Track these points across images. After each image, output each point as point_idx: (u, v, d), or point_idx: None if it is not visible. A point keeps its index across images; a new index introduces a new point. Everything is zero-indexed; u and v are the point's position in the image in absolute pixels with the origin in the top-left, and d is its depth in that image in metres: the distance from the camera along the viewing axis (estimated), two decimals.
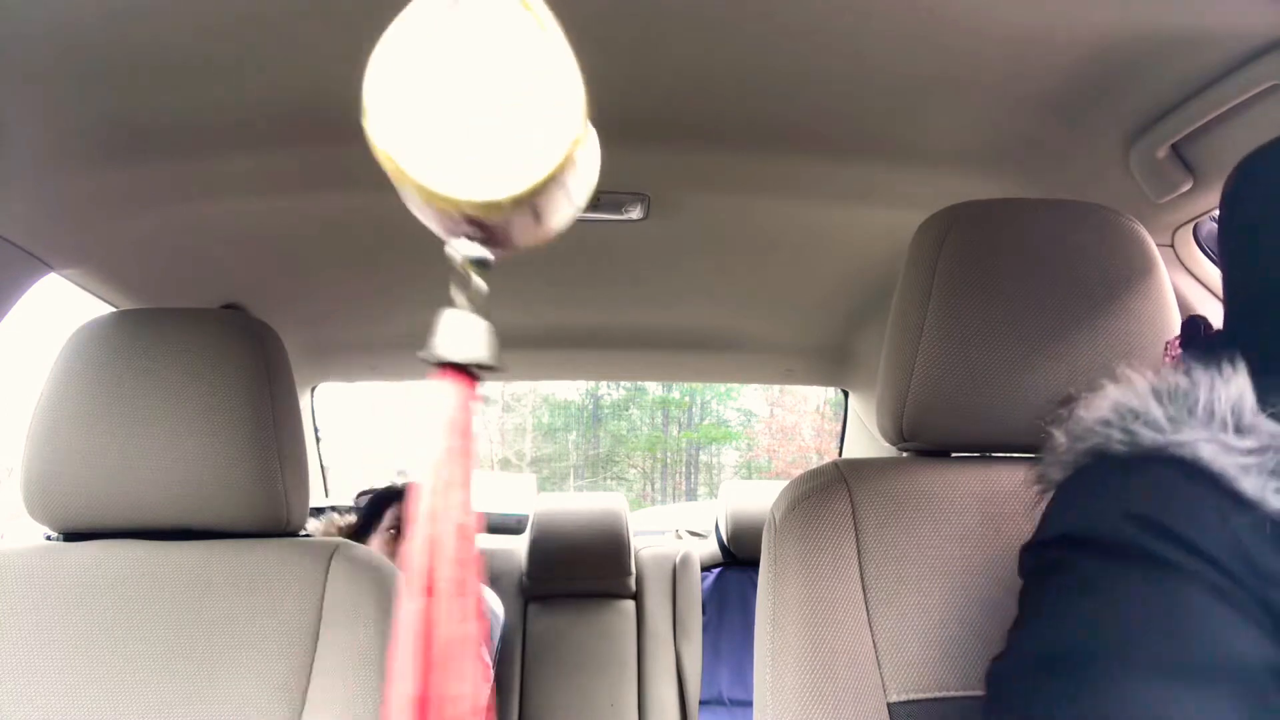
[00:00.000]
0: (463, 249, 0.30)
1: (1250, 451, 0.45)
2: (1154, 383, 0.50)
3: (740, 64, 0.84)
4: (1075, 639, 0.44)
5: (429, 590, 0.27)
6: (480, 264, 0.31)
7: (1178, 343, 0.58)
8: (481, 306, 0.31)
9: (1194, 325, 0.58)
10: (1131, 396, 0.50)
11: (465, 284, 0.31)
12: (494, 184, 0.28)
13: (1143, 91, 0.85)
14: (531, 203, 0.29)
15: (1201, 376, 0.48)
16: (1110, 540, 0.46)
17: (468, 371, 0.31)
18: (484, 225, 0.30)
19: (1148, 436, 0.48)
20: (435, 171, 0.29)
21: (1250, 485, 0.44)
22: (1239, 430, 0.46)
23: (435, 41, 0.29)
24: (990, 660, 0.51)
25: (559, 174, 0.29)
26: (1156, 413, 0.48)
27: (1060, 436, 0.54)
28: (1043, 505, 0.54)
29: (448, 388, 0.30)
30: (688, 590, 1.95)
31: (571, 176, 0.30)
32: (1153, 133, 0.90)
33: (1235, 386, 0.47)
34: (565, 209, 0.31)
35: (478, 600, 0.28)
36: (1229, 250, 0.56)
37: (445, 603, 0.27)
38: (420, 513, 0.29)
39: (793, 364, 1.97)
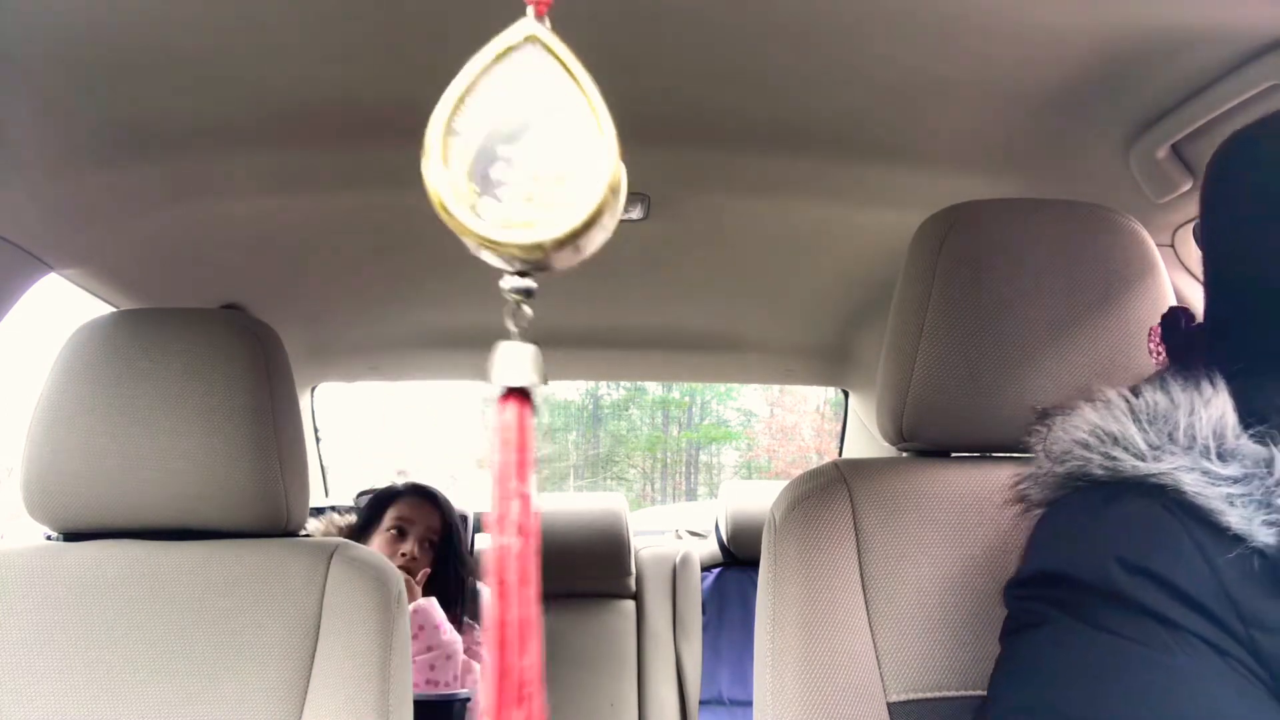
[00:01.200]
0: (512, 283, 0.34)
1: (1235, 480, 0.43)
2: (1133, 403, 0.48)
3: (740, 64, 0.84)
4: (1062, 707, 0.43)
5: (501, 584, 0.35)
6: (527, 294, 0.35)
7: (1159, 332, 0.57)
8: (528, 332, 0.35)
9: (1174, 317, 0.57)
10: (1110, 419, 0.48)
11: (515, 314, 0.35)
12: (540, 231, 0.32)
13: (1143, 91, 0.85)
14: (573, 243, 0.33)
15: (1181, 396, 0.47)
16: (1091, 583, 0.45)
17: (524, 393, 0.35)
18: (528, 260, 0.34)
19: (1129, 464, 0.46)
20: (487, 223, 0.32)
21: (1236, 518, 0.42)
22: (1221, 456, 0.44)
23: (484, 97, 0.33)
24: (975, 710, 0.50)
25: (596, 219, 0.32)
26: (1136, 438, 0.47)
27: (1040, 456, 0.53)
28: (1026, 522, 0.54)
29: (509, 410, 0.35)
30: (688, 590, 1.95)
31: (608, 215, 0.33)
32: (1153, 133, 0.90)
33: (1216, 407, 0.46)
34: (600, 239, 0.35)
35: (539, 588, 0.35)
36: (1211, 242, 0.54)
37: (514, 593, 0.35)
38: (492, 519, 0.35)
39: (793, 364, 1.97)
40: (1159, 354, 0.57)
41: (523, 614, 0.35)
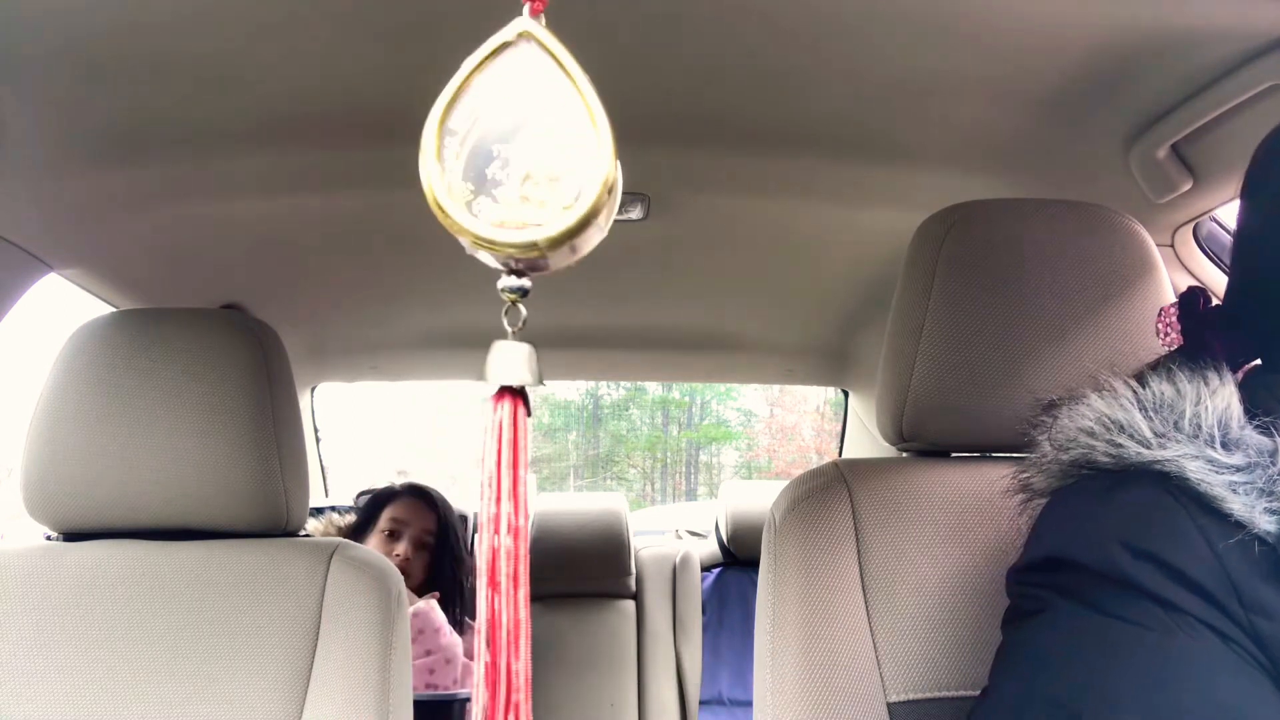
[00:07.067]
0: (507, 282, 0.35)
1: (1238, 469, 0.43)
2: (1139, 393, 0.49)
3: (740, 64, 0.84)
4: (1062, 692, 0.43)
5: (493, 584, 0.34)
6: (522, 294, 0.35)
7: (1174, 312, 0.57)
8: (523, 332, 0.36)
9: (1192, 297, 0.56)
10: (1116, 408, 0.49)
11: (511, 313, 0.35)
12: (534, 230, 0.32)
13: (1143, 91, 0.85)
14: (569, 242, 0.33)
15: (1187, 387, 0.47)
16: (1094, 567, 0.45)
17: (518, 393, 0.35)
18: (525, 260, 0.34)
19: (1133, 451, 0.47)
20: (482, 222, 0.33)
21: (1238, 505, 0.42)
22: (1225, 445, 0.45)
23: (476, 96, 0.33)
24: (976, 699, 0.50)
25: (591, 219, 0.32)
26: (1142, 425, 0.47)
27: (1045, 444, 0.53)
28: (1027, 515, 0.54)
29: (503, 408, 0.35)
30: (688, 590, 1.95)
31: (603, 214, 0.33)
32: (1153, 133, 0.90)
33: (1222, 397, 0.46)
34: (596, 239, 0.35)
35: (529, 589, 0.35)
36: (1241, 226, 0.54)
37: (505, 594, 0.34)
38: (483, 519, 0.34)
39: (793, 364, 1.97)
40: (1168, 335, 0.57)
41: (514, 615, 0.34)
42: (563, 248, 0.33)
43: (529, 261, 0.34)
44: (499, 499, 0.34)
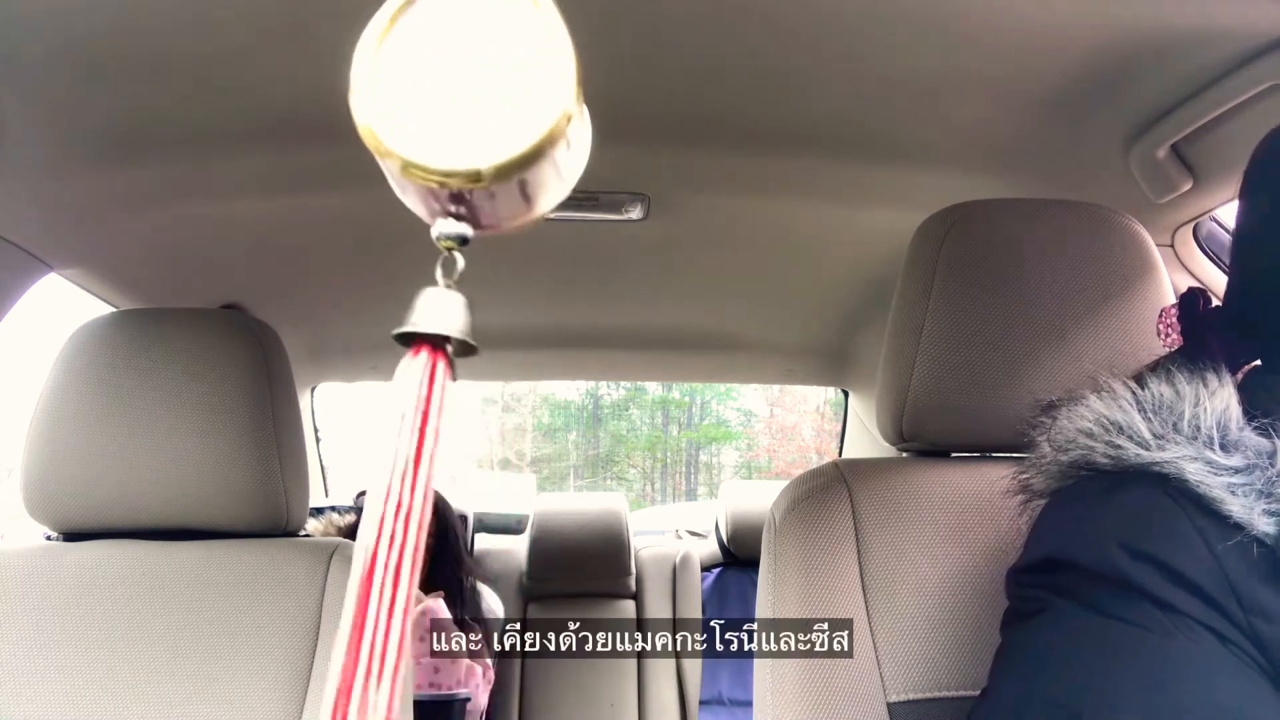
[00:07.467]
0: (444, 227, 0.29)
1: (1237, 470, 0.44)
2: (1138, 394, 0.49)
3: (740, 64, 0.84)
4: (1061, 692, 0.43)
5: (368, 579, 0.26)
6: (461, 241, 0.29)
7: (1174, 313, 0.57)
8: (459, 285, 0.30)
9: (1192, 298, 0.56)
10: (1115, 409, 0.49)
11: (446, 263, 0.30)
12: (477, 154, 0.27)
13: (1143, 91, 0.85)
14: (518, 177, 0.28)
15: (1186, 388, 0.47)
16: (1093, 568, 0.45)
17: (440, 348, 0.29)
18: (468, 202, 0.28)
19: (1132, 453, 0.47)
20: (416, 143, 0.27)
21: (1237, 507, 0.42)
22: (1224, 446, 0.45)
23: (424, 17, 0.29)
24: (976, 699, 0.50)
25: (546, 148, 0.27)
26: (1141, 427, 0.47)
27: (1044, 445, 0.53)
28: (1027, 515, 0.54)
29: (418, 362, 0.29)
30: (688, 590, 1.95)
31: (561, 153, 0.28)
32: (1153, 133, 0.90)
33: (1220, 399, 0.46)
34: (555, 187, 0.30)
35: (412, 592, 0.27)
36: (1240, 226, 0.54)
37: (382, 595, 0.26)
38: (372, 492, 0.27)
39: (793, 364, 1.97)
40: (1169, 335, 0.57)
41: (387, 630, 0.25)
42: (511, 181, 0.27)
43: (474, 205, 0.28)
44: (396, 470, 0.27)
